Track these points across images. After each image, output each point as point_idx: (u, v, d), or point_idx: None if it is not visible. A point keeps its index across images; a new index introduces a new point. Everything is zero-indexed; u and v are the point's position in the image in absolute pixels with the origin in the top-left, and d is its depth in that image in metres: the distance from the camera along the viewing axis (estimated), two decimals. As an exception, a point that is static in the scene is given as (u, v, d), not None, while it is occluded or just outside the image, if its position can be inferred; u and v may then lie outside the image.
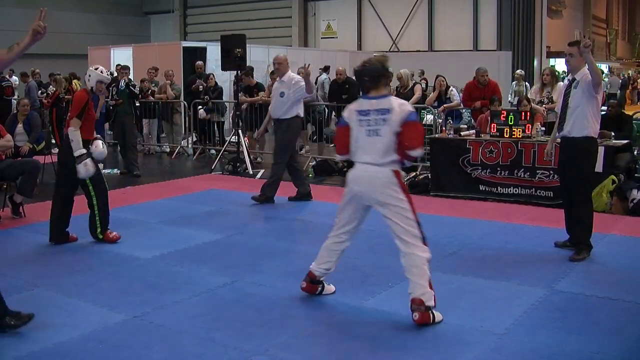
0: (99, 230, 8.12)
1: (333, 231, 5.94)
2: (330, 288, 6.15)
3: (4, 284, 6.39)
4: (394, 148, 5.40)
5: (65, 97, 17.23)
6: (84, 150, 7.76)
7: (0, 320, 5.13)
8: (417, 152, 5.48)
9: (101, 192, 8.15)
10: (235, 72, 14.41)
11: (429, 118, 13.14)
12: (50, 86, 18.76)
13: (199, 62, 17.84)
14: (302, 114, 10.46)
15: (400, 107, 5.41)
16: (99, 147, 8.03)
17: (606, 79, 28.41)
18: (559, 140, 7.65)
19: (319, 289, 6.08)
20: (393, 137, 5.38)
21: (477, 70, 12.67)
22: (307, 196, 10.43)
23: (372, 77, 5.53)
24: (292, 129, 10.27)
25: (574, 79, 7.29)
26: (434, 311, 5.37)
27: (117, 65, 14.54)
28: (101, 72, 8.25)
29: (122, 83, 13.45)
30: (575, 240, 7.40)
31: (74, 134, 7.75)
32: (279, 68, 10.40)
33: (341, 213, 5.88)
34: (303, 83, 10.09)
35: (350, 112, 5.66)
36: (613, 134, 10.04)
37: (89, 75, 8.24)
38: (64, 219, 8.11)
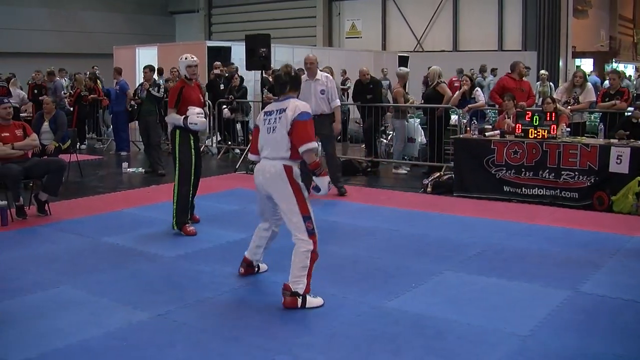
0: (174, 220, 8.43)
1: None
2: (263, 266, 6.81)
3: (29, 282, 6.48)
4: (287, 145, 5.85)
5: (90, 96, 17.39)
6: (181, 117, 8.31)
7: None
8: (305, 148, 5.80)
9: (183, 179, 8.48)
10: (260, 72, 14.46)
11: (453, 118, 13.09)
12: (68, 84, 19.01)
13: (217, 63, 17.84)
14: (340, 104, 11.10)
15: (295, 108, 5.89)
16: (194, 111, 8.35)
17: (634, 82, 28.08)
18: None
19: (255, 270, 6.74)
20: (285, 135, 5.84)
21: (516, 64, 12.51)
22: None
23: (279, 84, 6.14)
24: (336, 121, 10.90)
25: None
26: (307, 297, 5.79)
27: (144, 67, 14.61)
28: (185, 58, 8.61)
29: (143, 91, 13.51)
30: None
31: (169, 117, 8.47)
32: (310, 68, 10.73)
33: (256, 203, 6.43)
34: (333, 80, 11.04)
35: (260, 115, 6.25)
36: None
37: (180, 67, 8.76)
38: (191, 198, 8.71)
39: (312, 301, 5.83)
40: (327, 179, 5.95)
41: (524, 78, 12.51)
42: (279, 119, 5.91)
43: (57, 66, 20.85)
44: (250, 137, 14.87)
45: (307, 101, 10.25)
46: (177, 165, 8.52)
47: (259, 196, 6.20)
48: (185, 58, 8.60)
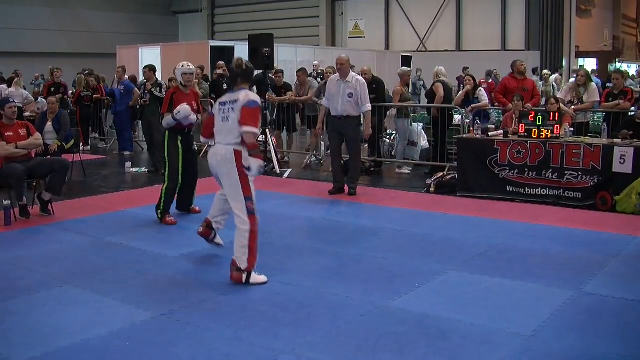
0: (158, 212, 9.03)
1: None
2: (219, 240, 7.34)
3: (33, 281, 6.49)
4: (239, 132, 6.37)
5: (94, 96, 17.37)
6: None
7: None
8: (247, 130, 6.30)
9: (170, 176, 9.04)
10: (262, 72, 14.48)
11: (456, 118, 13.08)
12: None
13: (221, 62, 17.87)
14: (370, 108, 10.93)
15: (246, 97, 6.44)
16: (183, 106, 8.84)
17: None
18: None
19: (212, 234, 7.24)
20: (237, 122, 6.37)
21: (514, 62, 12.59)
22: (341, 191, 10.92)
23: (231, 77, 6.94)
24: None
25: None
26: (252, 273, 6.38)
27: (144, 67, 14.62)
28: (182, 66, 9.21)
29: (146, 94, 13.50)
30: None
31: (164, 122, 9.03)
32: (341, 68, 10.70)
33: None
34: (364, 82, 10.77)
35: (216, 104, 6.83)
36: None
37: (175, 74, 9.51)
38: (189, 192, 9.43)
39: (256, 278, 6.41)
40: (260, 162, 6.35)
41: (533, 77, 12.56)
42: (232, 109, 6.45)
43: (60, 66, 20.84)
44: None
45: (333, 101, 10.54)
46: (165, 163, 9.11)
47: (215, 176, 6.71)
48: (182, 66, 9.20)
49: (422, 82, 25.10)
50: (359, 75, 11.16)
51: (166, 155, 9.05)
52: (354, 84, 10.52)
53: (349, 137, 10.67)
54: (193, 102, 9.16)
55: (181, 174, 9.06)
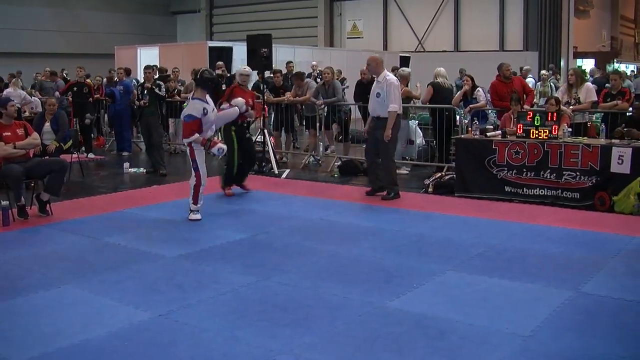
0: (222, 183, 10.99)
1: None
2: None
3: (32, 281, 6.49)
4: None
5: (95, 96, 17.34)
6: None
7: None
8: (185, 141, 9.15)
9: (228, 158, 10.77)
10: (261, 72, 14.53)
11: (459, 119, 13.08)
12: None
13: (220, 62, 17.88)
14: (400, 111, 10.61)
15: (186, 111, 9.12)
16: (239, 99, 10.32)
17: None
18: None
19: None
20: None
21: (501, 66, 12.62)
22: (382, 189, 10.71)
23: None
24: (395, 127, 10.44)
25: None
26: (192, 213, 9.11)
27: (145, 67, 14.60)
28: (241, 67, 11.51)
29: (145, 94, 13.47)
30: None
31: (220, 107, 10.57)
32: (368, 68, 10.77)
33: None
34: (397, 83, 10.49)
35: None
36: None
37: (236, 75, 11.69)
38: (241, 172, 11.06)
39: (193, 216, 9.09)
40: (218, 145, 9.09)
41: (528, 77, 12.57)
42: None
43: (59, 66, 20.82)
44: (252, 137, 14.94)
45: (369, 101, 10.37)
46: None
47: None
48: (241, 67, 11.36)
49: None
50: (391, 74, 10.74)
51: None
52: (382, 83, 10.35)
53: (377, 139, 10.46)
54: (249, 99, 10.68)
55: (238, 157, 10.78)
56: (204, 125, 9.06)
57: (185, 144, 9.22)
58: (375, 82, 10.56)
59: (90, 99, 16.19)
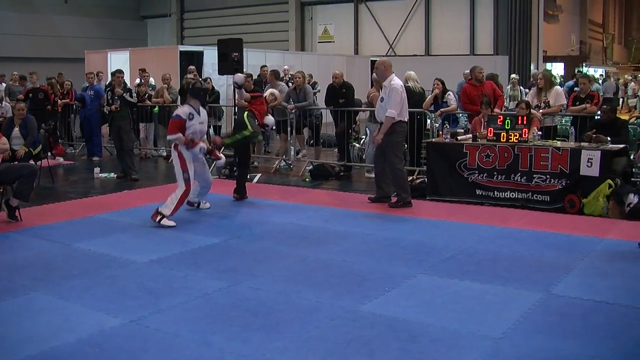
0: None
1: None
2: (206, 205, 10.20)
3: (0, 288, 6.41)
4: None
5: (62, 101, 17.22)
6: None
7: None
8: (168, 138, 9.56)
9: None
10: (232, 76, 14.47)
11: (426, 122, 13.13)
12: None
13: (192, 67, 17.82)
14: (405, 118, 10.32)
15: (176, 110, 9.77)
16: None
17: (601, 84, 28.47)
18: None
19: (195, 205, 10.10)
20: None
21: (474, 68, 12.69)
22: (387, 198, 10.48)
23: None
24: (396, 133, 10.13)
25: None
26: (165, 219, 9.02)
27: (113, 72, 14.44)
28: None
29: (116, 99, 13.31)
30: None
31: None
32: (376, 72, 10.46)
33: None
34: (400, 89, 10.10)
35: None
36: (609, 138, 10.06)
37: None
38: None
39: (167, 222, 9.00)
40: (199, 145, 9.33)
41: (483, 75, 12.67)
42: None
43: (27, 70, 20.61)
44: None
45: (376, 106, 10.37)
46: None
47: None
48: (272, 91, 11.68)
49: None
50: (396, 78, 10.37)
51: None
52: (387, 88, 10.12)
53: (383, 144, 10.33)
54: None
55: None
56: (187, 129, 9.27)
57: (173, 153, 9.40)
58: (382, 87, 10.40)
59: (48, 105, 16.00)
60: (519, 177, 10.07)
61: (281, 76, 18.69)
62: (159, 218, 8.96)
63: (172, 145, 9.43)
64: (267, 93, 12.22)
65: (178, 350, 4.98)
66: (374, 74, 11.74)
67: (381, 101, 10.20)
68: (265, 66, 20.42)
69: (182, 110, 9.38)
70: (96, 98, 15.82)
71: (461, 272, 6.86)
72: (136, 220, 9.35)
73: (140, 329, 5.42)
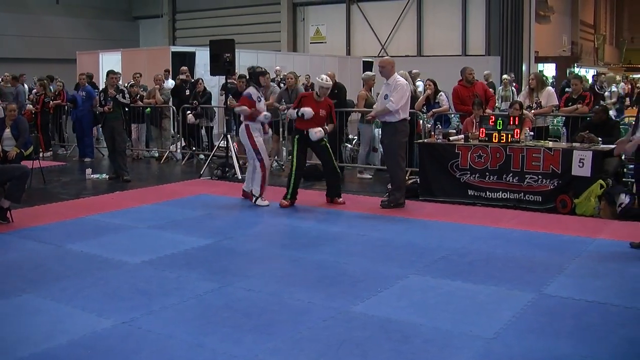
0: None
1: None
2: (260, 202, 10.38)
3: (-8, 290, 6.39)
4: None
5: (53, 101, 17.18)
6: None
7: None
8: (235, 110, 11.03)
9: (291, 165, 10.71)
10: (224, 77, 14.49)
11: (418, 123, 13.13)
12: (34, 90, 18.62)
13: (184, 68, 17.78)
14: (408, 117, 10.30)
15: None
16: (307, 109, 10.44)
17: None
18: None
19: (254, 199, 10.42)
20: None
21: (464, 70, 12.71)
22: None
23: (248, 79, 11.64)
24: (399, 132, 10.10)
25: None
26: (259, 199, 10.26)
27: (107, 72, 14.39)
28: (322, 79, 10.62)
29: (109, 100, 13.23)
30: None
31: (288, 112, 11.38)
32: (381, 71, 10.33)
33: None
34: (405, 86, 10.11)
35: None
36: (600, 139, 10.08)
37: (315, 85, 11.33)
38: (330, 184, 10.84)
39: (261, 202, 10.19)
40: (263, 113, 10.45)
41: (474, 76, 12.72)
42: None
43: (19, 71, 20.55)
44: (215, 142, 14.88)
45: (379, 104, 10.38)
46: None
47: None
48: (322, 79, 10.60)
49: None
50: (401, 77, 10.34)
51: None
52: (391, 85, 10.04)
53: (384, 144, 10.32)
54: (320, 109, 10.35)
55: (301, 166, 10.53)
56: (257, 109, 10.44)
57: (242, 134, 10.47)
58: (384, 85, 10.25)
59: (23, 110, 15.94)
60: (511, 178, 10.09)
61: (273, 77, 18.69)
62: (254, 200, 10.31)
63: (244, 126, 10.42)
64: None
65: (171, 352, 4.97)
66: (365, 74, 11.69)
67: (385, 98, 10.09)
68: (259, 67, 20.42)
69: (253, 91, 10.50)
70: (88, 99, 15.78)
71: (453, 272, 6.87)
72: (128, 222, 9.33)
73: (132, 331, 5.40)
